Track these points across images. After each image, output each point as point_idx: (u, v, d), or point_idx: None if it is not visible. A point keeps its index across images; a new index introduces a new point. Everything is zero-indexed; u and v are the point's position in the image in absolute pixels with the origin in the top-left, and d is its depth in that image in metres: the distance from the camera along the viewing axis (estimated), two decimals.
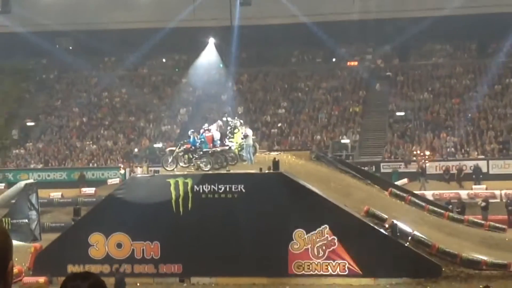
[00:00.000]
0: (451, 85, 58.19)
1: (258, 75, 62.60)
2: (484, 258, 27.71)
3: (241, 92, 60.35)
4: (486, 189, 43.32)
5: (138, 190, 29.64)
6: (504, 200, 40.00)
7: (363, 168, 42.70)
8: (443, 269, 27.31)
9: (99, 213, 30.52)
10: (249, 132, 33.10)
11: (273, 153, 37.57)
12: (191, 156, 30.87)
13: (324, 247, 27.96)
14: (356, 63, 62.00)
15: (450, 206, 37.95)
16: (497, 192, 41.81)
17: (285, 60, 63.76)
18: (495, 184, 43.66)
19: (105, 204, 31.18)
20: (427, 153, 48.26)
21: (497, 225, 34.23)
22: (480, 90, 56.20)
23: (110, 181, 48.93)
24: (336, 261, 27.92)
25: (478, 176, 45.82)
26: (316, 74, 61.77)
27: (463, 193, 42.25)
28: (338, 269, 27.90)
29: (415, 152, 49.62)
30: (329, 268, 27.97)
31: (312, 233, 28.05)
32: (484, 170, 46.78)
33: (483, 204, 38.64)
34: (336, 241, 27.94)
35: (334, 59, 63.44)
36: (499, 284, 25.07)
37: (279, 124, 55.62)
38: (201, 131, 31.72)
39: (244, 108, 56.51)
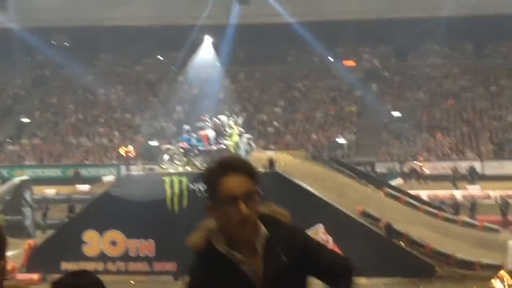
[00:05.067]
0: (447, 86, 58.33)
1: (254, 74, 62.67)
2: (478, 259, 27.81)
3: (237, 90, 60.41)
4: (481, 190, 43.42)
5: (133, 188, 29.67)
6: (498, 202, 40.03)
7: (358, 167, 42.76)
8: (437, 269, 27.41)
9: (93, 210, 30.52)
10: (243, 136, 32.96)
11: (269, 152, 37.63)
12: (186, 155, 30.93)
13: None
14: (353, 62, 62.07)
15: (445, 206, 38.04)
16: (491, 193, 41.90)
17: (282, 59, 63.83)
18: (490, 185, 43.79)
19: (100, 201, 31.19)
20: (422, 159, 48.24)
21: (491, 226, 34.32)
22: (476, 91, 56.34)
23: (105, 179, 48.94)
24: None
25: (473, 176, 45.97)
26: (313, 73, 61.87)
27: (458, 194, 42.27)
28: None
29: (415, 155, 49.74)
30: None
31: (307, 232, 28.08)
32: (479, 170, 46.94)
33: (469, 205, 38.73)
34: (331, 240, 27.99)
35: (331, 59, 63.54)
36: None
37: (275, 123, 55.69)
38: (204, 120, 31.76)
39: (241, 107, 56.57)
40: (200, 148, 30.76)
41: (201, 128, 31.50)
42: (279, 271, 3.29)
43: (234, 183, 3.25)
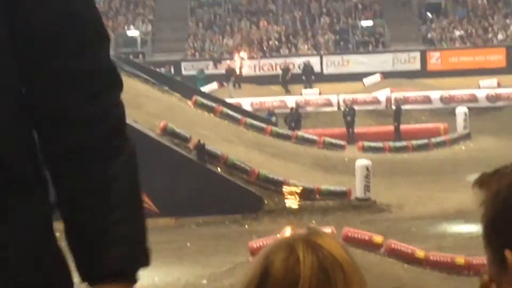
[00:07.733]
0: None
1: None
2: (318, 185, 28.78)
3: None
4: (320, 94, 44.65)
5: None
6: (342, 109, 41.25)
7: (158, 70, 42.77)
8: (266, 200, 28.12)
9: None
10: None
11: None
12: None
13: None
14: None
15: (274, 118, 38.95)
16: (333, 98, 43.14)
17: None
18: (331, 88, 45.10)
19: None
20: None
21: (334, 141, 35.59)
22: None
23: None
24: None
25: (309, 77, 47.13)
26: None
27: (291, 100, 43.19)
28: None
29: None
30: None
31: None
32: (317, 69, 48.22)
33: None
34: None
35: None
36: (338, 217, 26.16)
37: None
38: None
39: None
40: None
41: None
42: None
43: None
